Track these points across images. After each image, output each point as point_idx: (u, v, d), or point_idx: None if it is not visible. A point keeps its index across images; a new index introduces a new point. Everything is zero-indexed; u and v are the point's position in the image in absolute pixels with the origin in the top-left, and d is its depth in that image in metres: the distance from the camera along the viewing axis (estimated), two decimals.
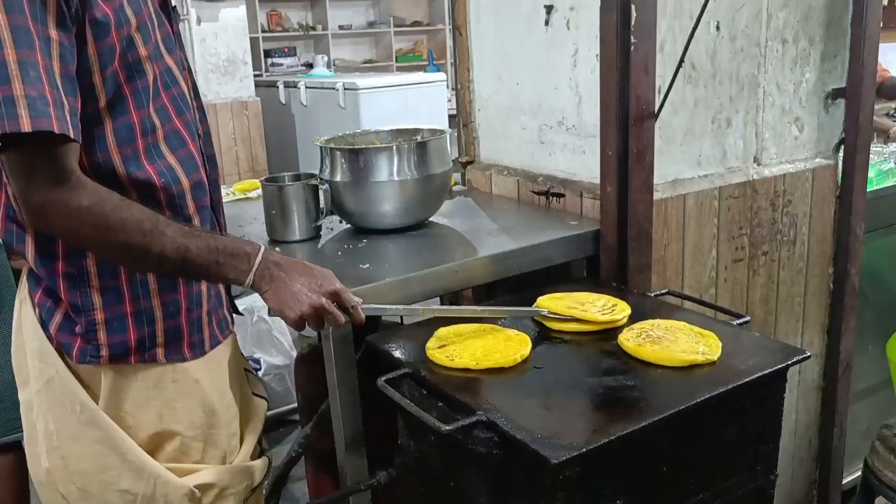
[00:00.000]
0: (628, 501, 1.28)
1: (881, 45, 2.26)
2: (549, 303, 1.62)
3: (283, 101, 5.86)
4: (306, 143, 5.67)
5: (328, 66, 7.47)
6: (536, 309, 1.61)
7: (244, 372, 1.63)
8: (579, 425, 1.26)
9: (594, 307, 1.59)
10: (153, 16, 1.28)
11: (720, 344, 1.45)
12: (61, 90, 1.12)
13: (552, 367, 1.45)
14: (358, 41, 8.64)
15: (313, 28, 8.08)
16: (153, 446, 1.37)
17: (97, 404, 1.33)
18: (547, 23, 2.05)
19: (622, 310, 1.59)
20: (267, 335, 3.40)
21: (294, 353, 3.34)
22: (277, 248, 1.86)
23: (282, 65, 7.61)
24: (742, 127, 2.11)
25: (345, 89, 5.23)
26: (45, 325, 1.32)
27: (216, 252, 1.26)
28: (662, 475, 1.32)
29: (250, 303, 2.92)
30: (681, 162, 2.02)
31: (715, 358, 1.41)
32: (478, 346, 1.48)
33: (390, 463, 1.67)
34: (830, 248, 2.39)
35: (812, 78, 2.21)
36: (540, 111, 2.16)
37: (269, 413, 1.74)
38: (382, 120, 5.00)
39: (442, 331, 1.56)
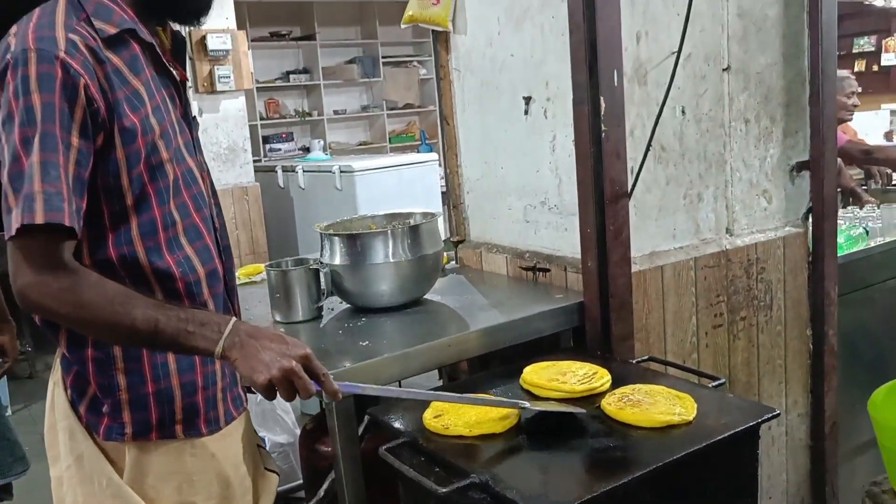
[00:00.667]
0: None
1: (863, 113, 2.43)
2: (534, 373, 1.74)
3: (281, 184, 6.05)
4: (305, 224, 5.83)
5: (324, 150, 7.70)
6: (514, 401, 1.63)
7: (257, 447, 1.74)
8: (566, 484, 1.37)
9: (575, 376, 1.71)
10: (175, 123, 1.43)
11: (695, 405, 1.56)
12: (73, 190, 1.25)
13: (540, 432, 1.56)
14: (352, 124, 8.91)
15: (309, 114, 8.34)
16: None
17: (122, 478, 1.44)
18: (526, 112, 2.22)
19: (601, 377, 1.70)
20: (271, 414, 3.49)
21: (297, 431, 3.42)
22: (282, 329, 1.99)
23: (280, 149, 7.84)
24: (713, 201, 2.26)
25: (341, 172, 5.41)
26: (75, 406, 1.44)
27: (186, 322, 1.31)
28: None
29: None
30: (657, 236, 2.16)
31: (690, 418, 1.52)
32: (471, 414, 1.59)
33: None
34: (807, 311, 2.51)
35: (776, 153, 2.37)
36: (524, 192, 2.31)
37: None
38: (378, 199, 5.18)
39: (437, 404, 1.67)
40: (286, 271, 2.11)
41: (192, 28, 1.62)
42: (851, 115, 4.02)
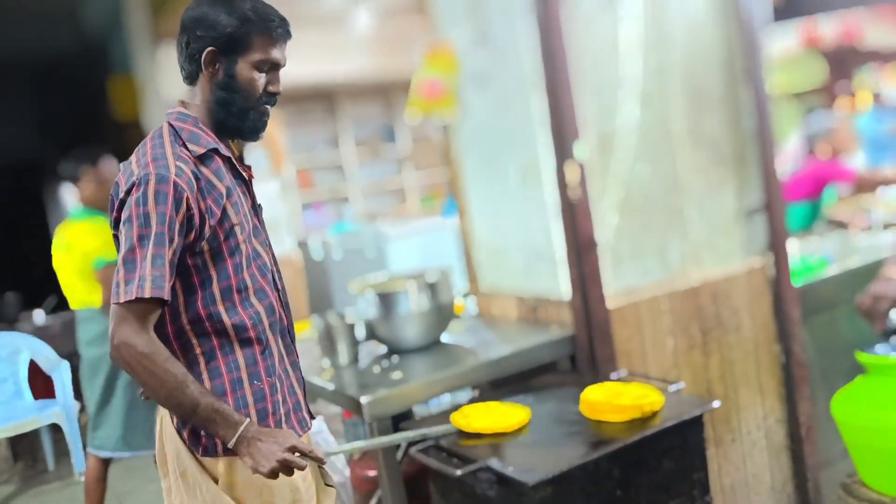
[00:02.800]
0: None
1: None
2: (592, 391, 2.10)
3: (317, 255, 6.59)
4: (340, 287, 6.33)
5: (355, 219, 8.26)
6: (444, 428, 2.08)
7: (319, 466, 2.17)
8: (551, 462, 1.82)
9: (629, 396, 2.04)
10: (247, 213, 1.90)
11: (662, 395, 2.01)
12: (170, 273, 1.72)
13: (541, 428, 2.01)
14: (380, 191, 9.48)
15: (338, 187, 8.95)
16: None
17: (217, 486, 1.85)
18: (521, 181, 2.71)
19: (651, 398, 2.03)
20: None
21: (347, 472, 3.86)
22: (330, 368, 2.46)
23: (313, 222, 8.41)
24: (679, 244, 2.72)
25: (372, 239, 5.92)
26: (180, 432, 1.86)
27: (217, 413, 1.75)
28: (618, 497, 1.86)
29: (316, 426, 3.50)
30: (631, 276, 2.62)
31: (659, 407, 1.97)
32: (488, 417, 2.05)
33: None
34: (774, 331, 2.94)
35: (731, 199, 2.83)
36: (523, 247, 2.78)
37: None
38: (406, 259, 5.67)
39: (466, 407, 2.14)
40: (329, 322, 2.60)
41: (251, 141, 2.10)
42: (851, 154, 4.54)
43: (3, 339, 5.84)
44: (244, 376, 1.86)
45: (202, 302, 1.82)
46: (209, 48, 1.79)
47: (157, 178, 1.71)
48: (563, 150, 2.40)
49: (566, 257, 2.49)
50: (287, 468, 1.74)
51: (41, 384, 5.92)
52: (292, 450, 1.76)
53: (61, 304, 7.93)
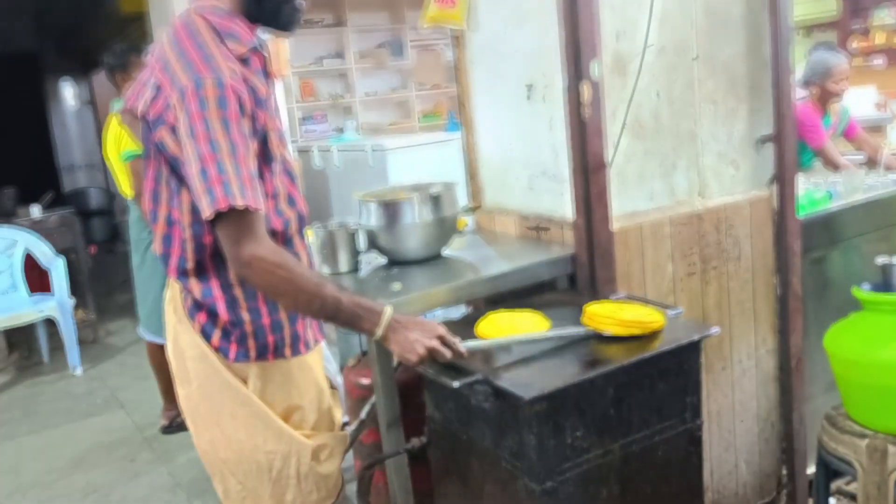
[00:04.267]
0: (585, 433, 1.84)
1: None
2: (595, 305, 2.09)
3: (318, 163, 6.54)
4: (340, 198, 6.31)
5: (357, 130, 8.17)
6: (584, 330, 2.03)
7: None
8: (547, 378, 1.83)
9: (631, 311, 2.05)
10: (275, 118, 1.86)
11: (665, 318, 2.01)
12: (257, 182, 1.66)
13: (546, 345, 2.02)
14: (383, 105, 9.36)
15: (342, 97, 8.82)
16: (285, 417, 1.89)
17: (248, 389, 1.86)
18: (528, 97, 2.66)
19: (653, 316, 2.04)
20: None
21: (340, 379, 3.91)
22: (328, 274, 2.46)
23: (315, 130, 8.33)
24: (685, 170, 2.70)
25: (373, 150, 5.87)
26: (206, 337, 1.84)
27: (359, 307, 1.73)
28: (611, 416, 1.89)
29: None
30: (637, 199, 2.61)
31: (660, 327, 1.97)
32: (504, 326, 2.04)
33: (422, 433, 2.26)
34: (773, 262, 2.94)
35: (742, 128, 2.80)
36: (528, 165, 2.75)
37: None
38: (407, 175, 5.63)
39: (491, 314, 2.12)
40: (331, 230, 2.59)
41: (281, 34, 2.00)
42: (840, 98, 4.42)
43: None
44: None
45: None
46: None
47: (216, 82, 1.60)
48: (577, 68, 2.35)
49: (573, 177, 2.47)
50: (431, 357, 1.76)
51: (37, 279, 5.96)
52: (439, 339, 1.76)
53: (58, 200, 7.92)
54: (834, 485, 2.92)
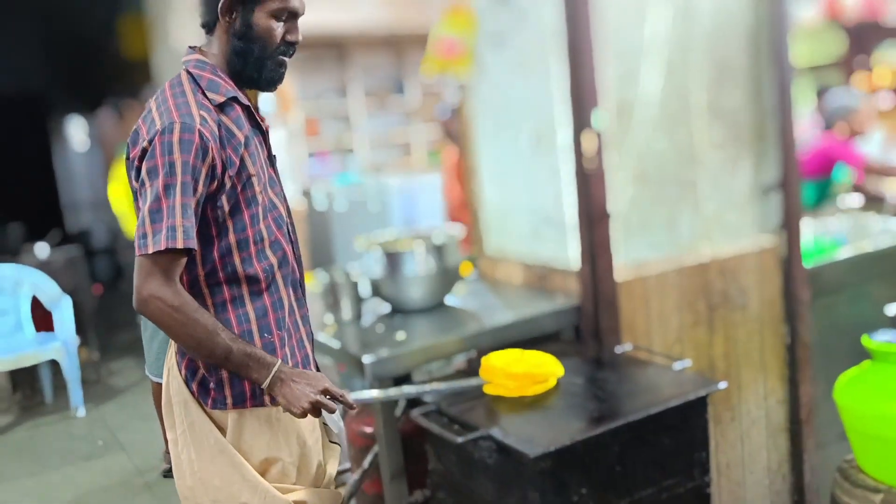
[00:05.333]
0: (590, 491, 1.81)
1: None
2: (494, 357, 2.12)
3: (320, 204, 6.54)
4: (343, 239, 6.30)
5: (359, 170, 8.19)
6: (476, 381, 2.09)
7: (323, 424, 2.17)
8: (550, 433, 1.80)
9: (528, 364, 2.08)
10: (263, 164, 1.86)
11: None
12: (195, 223, 1.70)
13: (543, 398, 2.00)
14: (386, 144, 9.40)
15: (344, 136, 8.87)
16: (263, 469, 1.86)
17: (225, 438, 1.85)
18: (532, 145, 2.66)
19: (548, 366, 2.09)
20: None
21: (342, 425, 3.88)
22: (333, 326, 2.44)
23: (318, 172, 8.35)
24: (690, 218, 2.69)
25: (376, 191, 5.88)
26: (188, 384, 1.85)
27: (249, 357, 1.75)
28: (616, 473, 1.86)
29: None
30: (641, 248, 2.59)
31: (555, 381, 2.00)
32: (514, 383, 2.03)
33: (425, 485, 2.22)
34: (781, 311, 2.91)
35: (747, 175, 2.79)
36: (532, 212, 2.74)
37: None
38: (409, 215, 5.64)
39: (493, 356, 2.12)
40: (335, 279, 2.57)
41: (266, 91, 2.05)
42: (863, 135, 4.49)
43: (5, 271, 5.83)
44: (255, 329, 1.85)
45: (218, 252, 1.80)
46: None
47: (182, 127, 1.67)
48: (580, 117, 2.35)
49: (577, 226, 2.45)
50: (317, 409, 1.74)
51: (41, 317, 5.92)
52: (324, 392, 1.76)
53: (65, 239, 7.93)
54: None
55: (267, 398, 1.88)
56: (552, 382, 2.05)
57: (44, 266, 6.24)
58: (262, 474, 1.88)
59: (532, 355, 2.10)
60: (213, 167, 1.72)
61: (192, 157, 1.67)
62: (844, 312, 3.24)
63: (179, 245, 1.66)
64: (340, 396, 1.78)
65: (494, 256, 2.98)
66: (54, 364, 5.84)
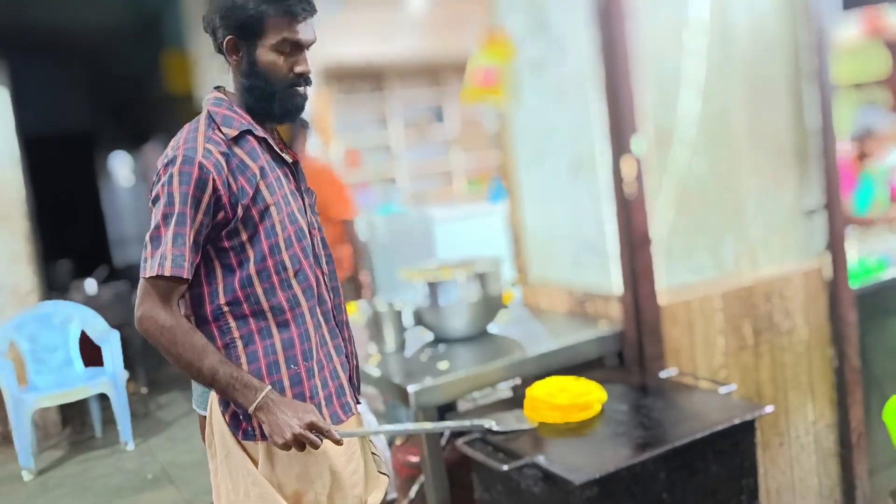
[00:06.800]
0: None
1: None
2: (537, 390, 2.12)
3: (364, 235, 6.60)
4: (386, 269, 6.34)
5: (401, 201, 8.25)
6: (476, 423, 2.00)
7: (371, 454, 2.17)
8: (596, 460, 1.80)
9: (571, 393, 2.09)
10: (287, 195, 1.87)
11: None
12: (191, 251, 1.74)
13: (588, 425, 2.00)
14: (428, 174, 9.47)
15: (386, 167, 8.95)
16: (295, 501, 1.87)
17: (257, 469, 1.87)
18: (573, 172, 2.67)
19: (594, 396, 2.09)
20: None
21: (387, 454, 3.88)
22: (377, 355, 2.47)
23: (361, 201, 8.43)
24: (734, 242, 2.67)
25: (419, 222, 5.91)
26: (223, 415, 1.89)
27: (235, 380, 1.76)
28: (663, 500, 1.84)
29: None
30: (684, 272, 2.58)
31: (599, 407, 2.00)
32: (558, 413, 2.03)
33: None
34: (828, 334, 2.87)
35: (790, 197, 2.77)
36: (574, 239, 2.75)
37: None
38: (452, 245, 5.65)
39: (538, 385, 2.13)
40: (378, 310, 2.60)
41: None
42: (878, 158, 4.40)
43: (55, 308, 5.97)
44: (281, 360, 1.87)
45: (239, 283, 1.82)
46: (229, 37, 1.79)
47: (184, 160, 1.74)
48: (619, 143, 2.36)
49: (619, 252, 2.45)
50: (300, 444, 1.75)
51: (90, 352, 6.04)
52: (310, 426, 1.76)
53: (113, 274, 8.09)
54: None
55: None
56: (597, 408, 2.04)
57: (92, 301, 6.38)
58: None
59: (575, 383, 2.10)
60: (217, 198, 1.76)
61: (192, 188, 1.73)
62: (893, 334, 3.18)
63: (167, 273, 1.72)
64: (326, 431, 1.78)
65: (536, 283, 2.99)
66: (103, 399, 5.94)
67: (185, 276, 1.74)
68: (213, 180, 1.75)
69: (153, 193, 1.79)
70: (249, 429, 1.86)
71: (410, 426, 2.11)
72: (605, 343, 2.50)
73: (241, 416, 1.86)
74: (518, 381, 2.78)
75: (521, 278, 3.07)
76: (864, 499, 2.98)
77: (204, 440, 4.46)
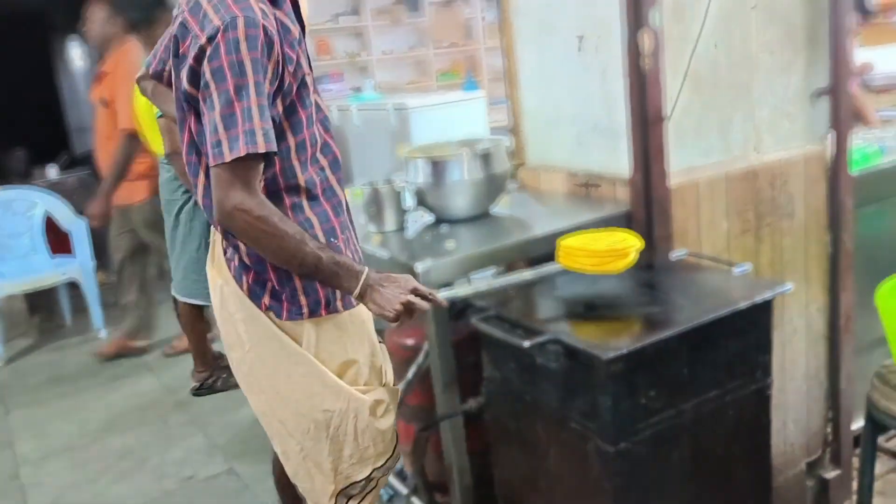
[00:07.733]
0: (658, 394, 1.79)
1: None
2: (571, 240, 2.09)
3: (336, 123, 6.43)
4: (360, 158, 6.22)
5: (374, 89, 8.04)
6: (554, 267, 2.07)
7: None
8: (617, 338, 1.78)
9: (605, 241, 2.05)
10: (310, 66, 1.81)
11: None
12: (272, 125, 1.60)
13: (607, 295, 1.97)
14: (400, 64, 9.22)
15: (358, 55, 8.68)
16: (340, 373, 1.86)
17: (301, 348, 1.83)
18: (579, 49, 2.57)
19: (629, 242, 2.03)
20: None
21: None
22: (376, 236, 2.40)
23: (331, 90, 8.20)
24: (741, 123, 2.61)
25: (395, 110, 5.77)
26: (256, 298, 1.80)
27: (338, 265, 1.68)
28: (684, 375, 1.83)
29: None
30: (693, 154, 2.52)
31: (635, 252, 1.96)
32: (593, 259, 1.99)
33: (474, 394, 2.21)
34: (825, 219, 2.87)
35: (798, 80, 2.71)
36: (577, 119, 2.67)
37: None
38: (429, 135, 5.52)
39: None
40: (377, 188, 2.52)
41: None
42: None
43: (17, 194, 5.79)
44: (320, 234, 1.80)
45: (278, 157, 1.72)
46: None
47: (247, 21, 1.55)
48: (636, 16, 2.25)
49: (630, 131, 2.38)
50: (409, 310, 1.72)
51: (56, 242, 5.90)
52: (414, 292, 1.73)
53: (75, 161, 7.83)
54: None
55: (340, 303, 1.86)
56: (634, 257, 1.97)
57: (55, 187, 6.19)
58: (340, 378, 1.87)
59: (608, 233, 2.04)
60: (278, 64, 1.62)
61: (260, 53, 1.56)
62: (885, 220, 3.20)
63: (261, 149, 1.56)
64: (430, 294, 1.75)
65: (536, 166, 2.92)
66: (72, 287, 5.84)
67: (275, 150, 1.58)
68: (276, 43, 1.59)
69: (204, 66, 1.56)
70: (294, 308, 1.81)
71: (506, 279, 2.06)
72: (612, 223, 2.43)
73: (284, 297, 1.80)
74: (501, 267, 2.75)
75: (519, 160, 3.00)
76: (847, 379, 3.04)
77: (185, 326, 4.43)
